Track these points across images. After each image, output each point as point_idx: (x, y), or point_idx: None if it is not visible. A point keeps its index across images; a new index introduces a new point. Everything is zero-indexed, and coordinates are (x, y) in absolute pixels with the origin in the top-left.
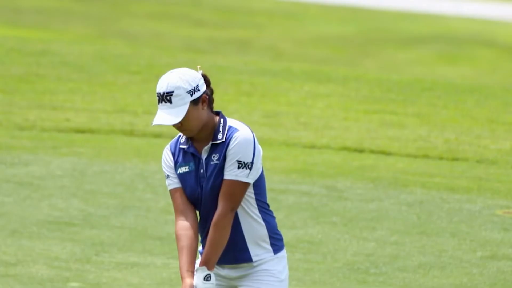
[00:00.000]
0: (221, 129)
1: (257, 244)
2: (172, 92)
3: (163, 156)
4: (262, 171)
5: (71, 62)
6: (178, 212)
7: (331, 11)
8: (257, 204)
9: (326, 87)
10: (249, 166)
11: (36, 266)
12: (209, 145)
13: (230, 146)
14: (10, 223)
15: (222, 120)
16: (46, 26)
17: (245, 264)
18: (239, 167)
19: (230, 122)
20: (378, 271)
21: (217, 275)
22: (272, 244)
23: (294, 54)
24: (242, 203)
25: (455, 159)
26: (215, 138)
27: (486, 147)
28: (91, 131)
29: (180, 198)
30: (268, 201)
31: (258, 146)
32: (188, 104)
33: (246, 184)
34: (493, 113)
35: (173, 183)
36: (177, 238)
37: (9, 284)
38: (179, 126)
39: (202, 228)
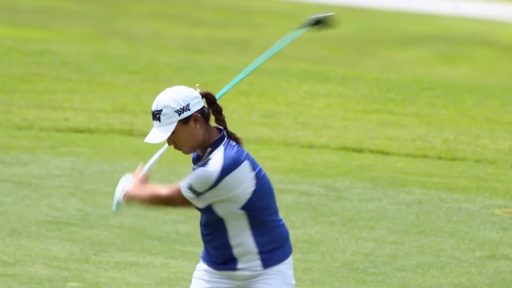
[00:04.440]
0: (208, 154)
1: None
2: (161, 110)
3: None
4: (261, 187)
5: (70, 62)
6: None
7: (330, 11)
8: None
9: (325, 87)
10: (196, 193)
11: (34, 265)
12: (196, 166)
13: (197, 168)
14: (8, 222)
15: (209, 149)
16: (45, 26)
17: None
18: (187, 188)
19: (216, 152)
20: (377, 270)
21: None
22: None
23: (292, 53)
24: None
25: (454, 159)
26: (201, 159)
27: (485, 147)
28: (90, 130)
29: None
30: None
31: (226, 181)
32: (176, 123)
33: (179, 195)
34: (492, 113)
35: None
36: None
37: (7, 284)
38: (174, 145)
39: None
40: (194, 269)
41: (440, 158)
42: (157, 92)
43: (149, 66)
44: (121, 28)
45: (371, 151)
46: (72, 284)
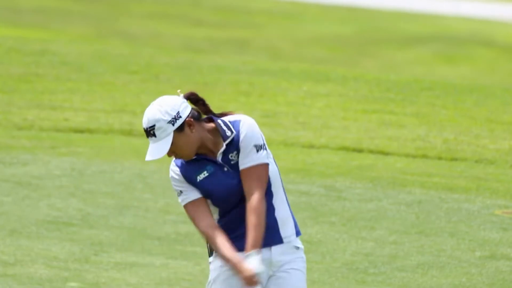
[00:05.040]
0: (225, 128)
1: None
2: (154, 126)
3: (170, 173)
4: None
5: (70, 62)
6: (199, 219)
7: (330, 11)
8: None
9: (325, 87)
10: (264, 147)
11: (34, 266)
12: (224, 147)
13: (241, 138)
14: (8, 222)
15: (219, 121)
16: (45, 26)
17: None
18: (258, 151)
19: (227, 118)
20: (377, 271)
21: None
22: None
23: (292, 53)
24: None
25: (454, 159)
26: (226, 137)
27: (485, 147)
28: (89, 131)
29: (199, 208)
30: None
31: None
32: (172, 134)
33: (268, 166)
34: (492, 113)
35: (187, 197)
36: (212, 236)
37: (7, 284)
38: (175, 155)
39: (226, 225)
40: (194, 269)
41: (440, 158)
42: (157, 92)
43: (149, 66)
44: (121, 28)
45: (371, 151)
46: (72, 284)
